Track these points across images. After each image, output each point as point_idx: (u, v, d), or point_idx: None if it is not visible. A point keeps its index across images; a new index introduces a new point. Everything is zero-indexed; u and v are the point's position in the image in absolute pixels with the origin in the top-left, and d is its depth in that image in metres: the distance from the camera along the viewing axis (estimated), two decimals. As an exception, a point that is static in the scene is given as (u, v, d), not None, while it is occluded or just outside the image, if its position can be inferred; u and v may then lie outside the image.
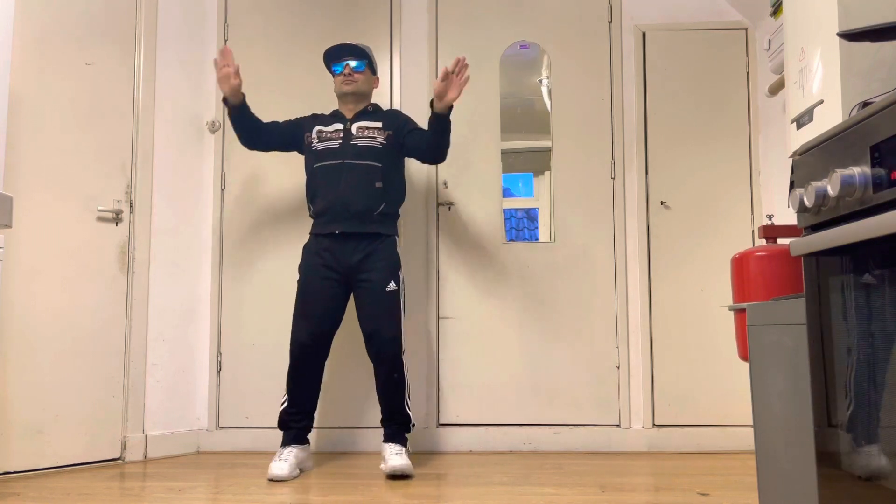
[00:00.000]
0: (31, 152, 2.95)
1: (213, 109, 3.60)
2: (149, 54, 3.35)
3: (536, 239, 3.60)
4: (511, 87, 3.65)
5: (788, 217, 2.96)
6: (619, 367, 3.44)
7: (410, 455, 2.97)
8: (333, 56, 3.08)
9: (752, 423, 1.87)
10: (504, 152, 3.58)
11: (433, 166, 3.54)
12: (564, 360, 3.46)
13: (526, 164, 3.67)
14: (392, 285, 2.91)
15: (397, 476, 2.77)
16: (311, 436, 3.10)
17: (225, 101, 2.98)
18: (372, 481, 2.75)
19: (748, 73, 3.53)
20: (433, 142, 2.95)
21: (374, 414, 3.38)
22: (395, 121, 3.05)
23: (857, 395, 1.27)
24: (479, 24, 3.63)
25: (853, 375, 1.28)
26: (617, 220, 3.51)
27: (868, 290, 1.23)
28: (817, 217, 1.41)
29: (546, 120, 3.60)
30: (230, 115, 3.02)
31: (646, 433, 3.40)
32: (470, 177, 3.56)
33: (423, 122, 3.61)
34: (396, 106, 3.57)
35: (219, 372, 3.50)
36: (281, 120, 3.17)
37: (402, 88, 3.59)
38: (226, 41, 3.63)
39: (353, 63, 3.03)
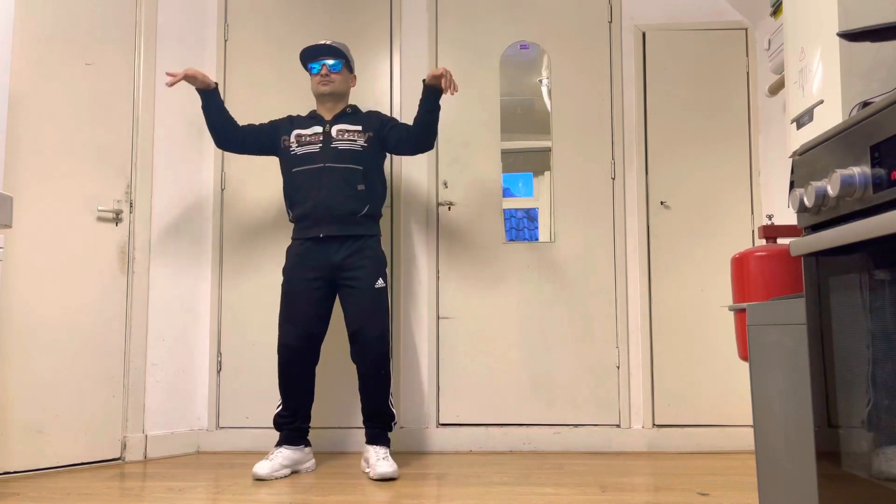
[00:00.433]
0: (31, 152, 2.95)
1: (213, 109, 3.59)
2: (149, 54, 3.35)
3: (536, 239, 3.60)
4: (511, 87, 3.65)
5: (788, 217, 2.97)
6: (619, 367, 3.44)
7: (394, 455, 2.96)
8: (309, 55, 3.05)
9: (752, 423, 1.87)
10: (504, 152, 3.58)
11: (433, 166, 3.54)
12: (564, 360, 3.46)
13: (526, 164, 3.67)
14: (380, 282, 2.91)
15: (386, 479, 2.75)
16: (315, 436, 3.11)
17: (200, 93, 2.99)
18: (371, 481, 2.75)
19: (748, 73, 3.53)
20: (420, 122, 2.93)
21: (359, 414, 3.37)
22: (374, 122, 3.03)
23: (858, 394, 1.27)
24: (479, 24, 3.63)
25: (852, 375, 1.28)
26: (617, 220, 3.51)
27: (870, 289, 1.23)
28: (817, 217, 1.41)
29: (546, 120, 3.60)
30: (204, 106, 3.01)
31: (646, 433, 3.40)
32: (470, 177, 3.56)
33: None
34: (396, 106, 3.57)
35: (219, 372, 3.50)
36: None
37: (402, 88, 3.58)
38: (226, 41, 3.63)
39: (329, 62, 3.01)
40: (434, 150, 3.55)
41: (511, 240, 3.58)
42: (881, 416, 1.20)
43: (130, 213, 3.26)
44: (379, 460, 2.80)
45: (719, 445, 3.36)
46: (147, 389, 3.28)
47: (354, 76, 3.16)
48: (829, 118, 1.73)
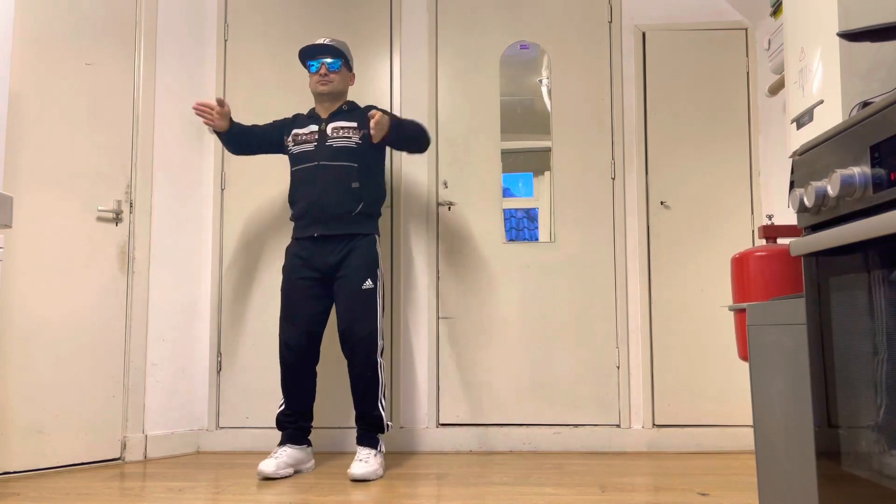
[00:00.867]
0: (31, 152, 2.95)
1: (213, 109, 3.60)
2: (149, 54, 3.35)
3: (536, 239, 3.60)
4: (511, 87, 3.65)
5: (788, 217, 2.96)
6: (619, 367, 3.44)
7: (384, 456, 2.93)
8: (308, 54, 3.05)
9: (752, 423, 1.87)
10: (504, 152, 3.58)
11: (433, 166, 3.55)
12: (564, 360, 3.45)
13: (526, 164, 3.67)
14: (368, 283, 2.89)
15: (358, 480, 2.73)
16: (316, 436, 3.11)
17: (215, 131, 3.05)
18: (371, 481, 2.75)
19: (748, 73, 3.53)
20: (403, 146, 3.06)
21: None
22: (367, 119, 3.00)
23: (858, 395, 1.27)
24: (480, 24, 3.63)
25: (852, 375, 1.28)
26: (617, 220, 3.51)
27: (870, 289, 1.23)
28: (817, 217, 1.41)
29: (546, 120, 3.60)
30: (221, 137, 3.07)
31: (646, 433, 3.40)
32: (470, 177, 3.56)
33: (422, 119, 3.62)
34: (396, 106, 3.57)
35: (219, 372, 3.50)
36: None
37: (402, 89, 3.59)
38: (226, 41, 3.63)
39: (328, 61, 3.01)
40: (434, 150, 3.55)
41: (511, 240, 3.57)
42: (881, 415, 1.20)
43: (130, 213, 3.26)
44: (356, 461, 2.79)
45: (719, 445, 3.36)
46: (147, 389, 3.28)
47: (353, 75, 3.16)
48: (829, 118, 1.73)
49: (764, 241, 2.44)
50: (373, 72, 3.59)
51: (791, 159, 1.68)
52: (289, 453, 2.88)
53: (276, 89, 3.60)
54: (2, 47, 2.42)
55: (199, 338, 3.50)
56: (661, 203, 3.50)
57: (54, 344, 2.97)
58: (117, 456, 3.16)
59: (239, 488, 2.65)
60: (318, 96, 3.06)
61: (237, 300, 3.52)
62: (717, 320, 3.42)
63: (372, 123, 2.80)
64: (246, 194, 3.57)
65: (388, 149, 3.25)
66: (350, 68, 3.11)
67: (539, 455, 3.31)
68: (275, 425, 3.01)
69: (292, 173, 3.02)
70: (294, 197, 3.01)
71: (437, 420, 3.46)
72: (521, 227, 3.65)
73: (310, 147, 2.98)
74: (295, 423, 2.93)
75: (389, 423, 2.97)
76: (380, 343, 2.89)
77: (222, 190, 3.58)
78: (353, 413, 3.43)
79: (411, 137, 2.99)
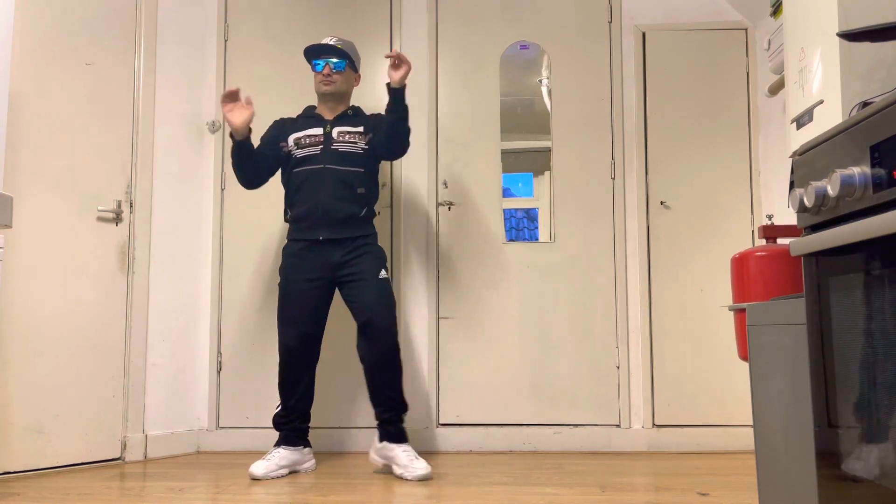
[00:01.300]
0: (32, 152, 2.95)
1: (213, 109, 3.60)
2: (149, 54, 3.35)
3: (536, 239, 3.60)
4: (511, 87, 3.65)
5: (788, 217, 2.96)
6: (619, 367, 3.44)
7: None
8: (314, 52, 3.03)
9: (752, 423, 1.87)
10: (504, 152, 3.58)
11: (433, 166, 3.54)
12: (564, 359, 3.45)
13: (526, 164, 3.67)
14: (383, 273, 2.91)
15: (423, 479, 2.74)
16: (315, 436, 3.10)
17: (231, 136, 2.92)
18: (371, 481, 2.75)
19: (748, 73, 3.53)
20: (393, 133, 2.88)
21: (360, 414, 3.38)
22: (374, 124, 2.99)
23: (858, 395, 1.27)
24: (479, 24, 3.63)
25: (852, 375, 1.28)
26: (617, 220, 3.51)
27: (870, 289, 1.23)
28: (817, 217, 1.41)
29: (546, 120, 3.59)
30: (235, 151, 2.92)
31: (646, 433, 3.40)
32: (470, 177, 3.56)
33: (420, 126, 3.61)
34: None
35: (219, 372, 3.50)
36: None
37: (402, 88, 3.58)
38: (226, 41, 3.63)
39: (333, 61, 2.99)
40: (434, 150, 3.55)
41: (511, 240, 3.58)
42: (881, 415, 1.20)
43: (130, 213, 3.26)
44: (413, 460, 2.79)
45: (719, 445, 3.36)
46: (147, 389, 3.27)
47: (359, 75, 3.14)
48: (829, 118, 1.73)
49: (764, 241, 2.44)
50: (373, 72, 3.59)
51: (791, 159, 1.68)
52: (282, 455, 2.88)
53: (276, 89, 3.59)
54: (2, 47, 2.42)
55: (199, 338, 3.50)
56: (661, 203, 3.50)
57: (54, 344, 2.97)
58: (117, 456, 3.16)
59: (239, 488, 2.65)
60: (322, 96, 3.05)
61: (237, 300, 3.52)
62: (717, 320, 3.42)
63: (394, 62, 2.77)
64: (246, 194, 3.56)
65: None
66: (356, 69, 3.09)
67: (539, 455, 3.31)
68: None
69: (293, 174, 3.00)
70: (295, 199, 2.98)
71: (437, 420, 3.46)
72: (521, 227, 3.65)
73: (315, 150, 2.96)
74: (290, 425, 2.93)
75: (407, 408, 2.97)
76: (397, 330, 2.91)
77: (222, 190, 3.58)
78: (353, 413, 3.44)
79: (407, 130, 2.93)
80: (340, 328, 3.04)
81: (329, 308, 2.98)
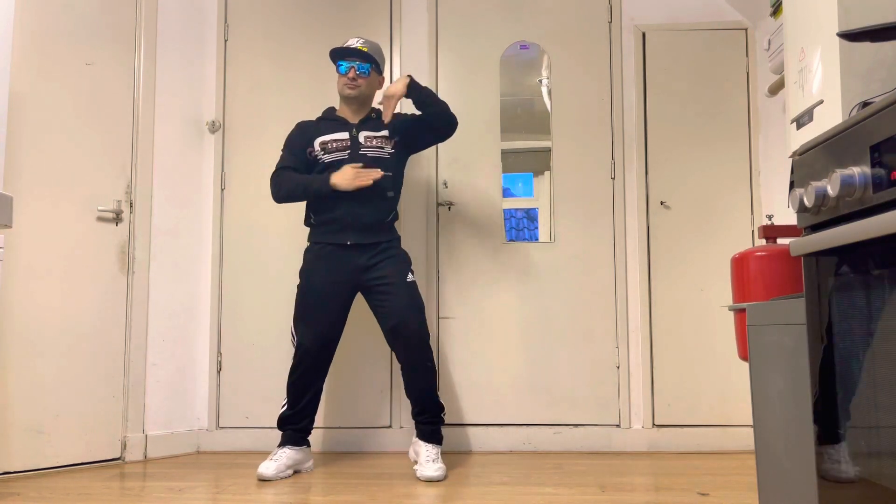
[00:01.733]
0: (32, 152, 2.95)
1: (213, 109, 3.60)
2: (149, 54, 3.35)
3: (536, 239, 3.60)
4: (511, 87, 3.65)
5: (788, 217, 2.96)
6: (619, 367, 3.44)
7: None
8: (340, 54, 3.00)
9: (752, 423, 1.87)
10: (504, 152, 3.58)
11: (433, 166, 3.55)
12: (564, 359, 3.45)
13: (526, 164, 3.67)
14: (411, 276, 2.93)
15: (431, 481, 2.74)
16: (317, 436, 3.10)
17: (325, 187, 2.86)
18: (372, 481, 2.76)
19: (748, 73, 3.53)
20: (430, 117, 2.97)
21: (380, 414, 3.39)
22: (398, 127, 3.01)
23: (858, 395, 1.27)
24: (479, 24, 3.63)
25: (852, 375, 1.28)
26: (617, 220, 3.51)
27: (870, 289, 1.23)
28: (817, 217, 1.41)
29: (546, 120, 3.60)
30: (311, 195, 2.91)
31: (646, 433, 3.40)
32: (470, 177, 3.56)
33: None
34: (396, 106, 3.56)
35: (219, 372, 3.50)
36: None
37: (402, 88, 3.58)
38: (226, 41, 3.63)
39: (358, 65, 2.97)
40: (434, 149, 3.55)
41: (511, 240, 3.58)
42: (881, 415, 1.20)
43: (130, 213, 3.26)
44: (428, 461, 2.79)
45: (719, 445, 3.36)
46: (147, 389, 3.28)
47: (382, 77, 3.12)
48: (829, 118, 1.73)
49: (764, 241, 2.44)
50: (373, 72, 3.59)
51: (791, 159, 1.68)
52: (288, 455, 2.87)
53: (276, 89, 3.60)
54: (2, 47, 2.42)
55: (199, 338, 3.50)
56: (661, 203, 3.50)
57: (54, 344, 2.97)
58: (117, 456, 3.16)
59: (239, 488, 2.65)
60: (345, 99, 3.03)
61: (237, 300, 3.52)
62: (717, 320, 3.42)
63: (384, 101, 2.86)
64: (246, 194, 3.57)
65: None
66: (380, 72, 3.07)
67: (539, 455, 3.31)
68: (275, 425, 3.00)
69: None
70: (321, 203, 2.94)
71: (437, 420, 3.46)
72: (521, 227, 3.65)
73: (344, 155, 2.94)
74: (297, 425, 2.92)
75: (444, 412, 3.00)
76: (429, 333, 2.92)
77: (222, 190, 3.58)
78: (354, 413, 3.44)
79: (441, 108, 2.97)
80: (349, 329, 3.03)
81: (348, 312, 2.97)
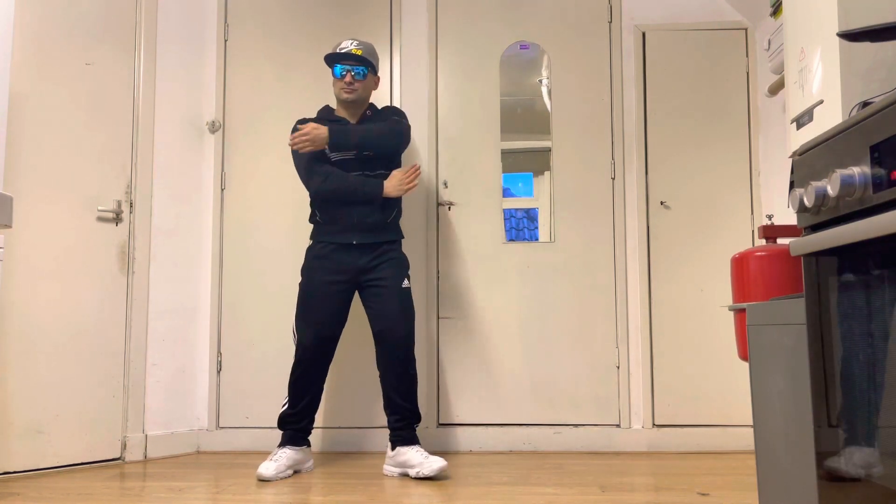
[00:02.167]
0: (32, 152, 2.95)
1: (213, 109, 3.60)
2: (149, 54, 3.35)
3: (536, 239, 3.60)
4: (511, 87, 3.65)
5: (788, 217, 2.96)
6: (619, 367, 3.44)
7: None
8: (335, 58, 3.00)
9: (752, 423, 1.87)
10: (504, 152, 3.58)
11: (433, 166, 3.55)
12: (564, 359, 3.45)
13: (526, 164, 3.67)
14: (406, 283, 2.94)
15: (434, 477, 2.74)
16: (317, 436, 3.10)
17: (380, 191, 2.92)
18: (372, 481, 2.75)
19: (748, 73, 3.53)
20: (376, 150, 2.95)
21: (379, 414, 3.38)
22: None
23: (858, 394, 1.27)
24: (479, 24, 3.63)
25: (852, 375, 1.28)
26: (617, 220, 3.51)
27: (870, 289, 1.23)
28: (817, 217, 1.41)
29: (546, 120, 3.59)
30: (363, 199, 2.93)
31: (646, 433, 3.40)
32: (470, 177, 3.56)
33: (420, 126, 3.62)
34: (396, 106, 3.56)
35: (219, 372, 3.50)
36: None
37: (402, 88, 3.59)
38: (226, 41, 3.63)
39: (354, 69, 2.96)
40: (434, 150, 3.55)
41: (511, 240, 3.57)
42: (881, 415, 1.20)
43: (130, 213, 3.26)
44: (426, 458, 2.78)
45: (719, 445, 3.36)
46: (147, 389, 3.27)
47: (378, 78, 3.11)
48: (829, 118, 1.73)
49: (764, 241, 2.44)
50: (373, 72, 3.59)
51: (791, 159, 1.68)
52: (288, 455, 2.87)
53: (276, 89, 3.60)
54: (2, 47, 2.42)
55: (199, 338, 3.50)
56: (661, 203, 3.50)
57: (54, 344, 2.97)
58: (117, 456, 3.16)
59: (239, 488, 2.65)
60: (342, 102, 3.03)
61: (237, 300, 3.52)
62: (717, 320, 3.42)
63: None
64: (246, 194, 3.57)
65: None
66: (375, 72, 3.06)
67: (539, 455, 3.31)
68: (276, 425, 3.00)
69: None
70: (327, 202, 2.95)
71: (437, 420, 3.46)
72: (521, 227, 3.65)
73: (349, 155, 2.95)
74: (298, 425, 2.92)
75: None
76: (414, 343, 2.93)
77: (222, 190, 3.58)
78: (353, 413, 3.44)
79: (367, 146, 2.93)
80: (349, 329, 3.03)
81: (348, 311, 2.98)
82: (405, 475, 2.82)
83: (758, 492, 1.82)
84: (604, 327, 3.47)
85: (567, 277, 3.49)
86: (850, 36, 1.48)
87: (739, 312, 2.35)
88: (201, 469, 3.03)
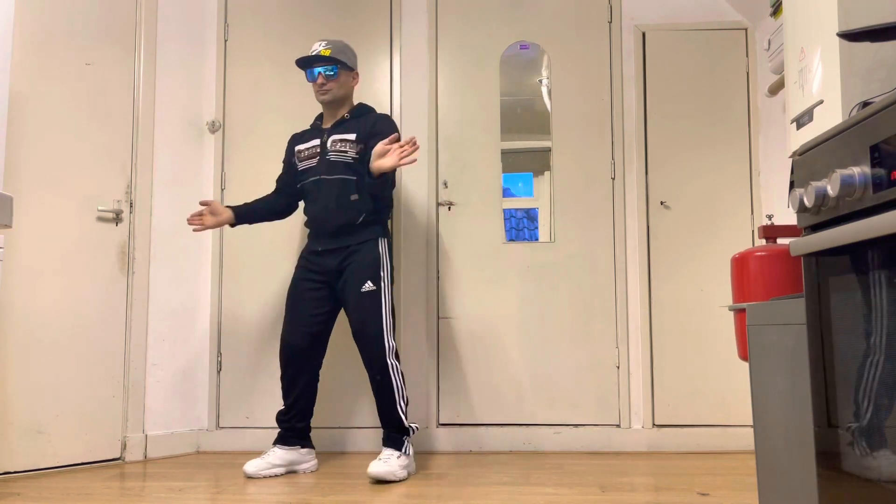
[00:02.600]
0: (32, 152, 2.95)
1: (213, 109, 3.60)
2: (149, 54, 3.35)
3: (536, 239, 3.60)
4: (511, 87, 3.65)
5: (788, 217, 2.96)
6: (619, 367, 3.44)
7: (414, 457, 2.92)
8: (304, 63, 2.97)
9: (752, 423, 1.87)
10: (504, 152, 3.58)
11: (433, 166, 3.55)
12: (564, 359, 3.45)
13: (526, 164, 3.67)
14: (368, 285, 2.84)
15: (379, 481, 2.71)
16: (317, 436, 3.11)
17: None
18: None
19: (748, 73, 3.53)
20: (369, 187, 2.85)
21: (369, 413, 3.39)
22: (368, 133, 2.92)
23: (858, 394, 1.27)
24: (479, 24, 3.63)
25: (852, 375, 1.28)
26: (617, 220, 3.51)
27: (870, 289, 1.23)
28: (817, 217, 1.41)
29: (546, 120, 3.59)
30: (241, 223, 3.11)
31: (646, 433, 3.40)
32: (470, 177, 3.56)
33: (420, 126, 3.62)
34: (396, 106, 3.56)
35: (219, 372, 3.50)
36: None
37: (402, 88, 3.59)
38: (226, 41, 3.63)
39: (324, 70, 2.94)
40: (434, 150, 3.55)
41: (511, 240, 3.57)
42: (881, 415, 1.20)
43: (130, 213, 3.26)
44: (376, 460, 2.76)
45: (719, 445, 3.36)
46: (147, 389, 3.28)
47: (356, 73, 3.07)
48: (829, 118, 1.73)
49: (764, 241, 2.44)
50: (373, 72, 3.59)
51: (791, 159, 1.68)
52: (277, 454, 2.89)
53: (276, 89, 3.60)
54: (2, 47, 2.42)
55: (199, 338, 3.50)
56: (661, 203, 3.50)
57: (54, 344, 2.97)
58: (117, 456, 3.16)
59: (239, 488, 2.65)
60: (322, 104, 3.04)
61: (237, 300, 3.52)
62: (717, 320, 3.42)
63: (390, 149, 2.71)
64: (246, 195, 3.55)
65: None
66: (351, 68, 3.01)
67: (539, 455, 3.31)
68: (275, 425, 3.02)
69: (299, 187, 3.03)
70: (305, 209, 3.04)
71: (437, 420, 3.46)
72: (521, 227, 3.65)
73: (313, 162, 2.98)
74: (287, 423, 2.93)
75: (414, 425, 2.90)
76: (388, 344, 2.82)
77: (222, 190, 3.58)
78: (353, 413, 3.44)
79: (376, 190, 2.88)
80: (339, 329, 3.03)
81: (333, 313, 2.97)
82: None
83: (758, 492, 1.82)
84: (604, 327, 3.47)
85: (567, 277, 3.49)
86: (850, 36, 1.48)
87: (739, 312, 2.35)
88: (201, 469, 3.04)
